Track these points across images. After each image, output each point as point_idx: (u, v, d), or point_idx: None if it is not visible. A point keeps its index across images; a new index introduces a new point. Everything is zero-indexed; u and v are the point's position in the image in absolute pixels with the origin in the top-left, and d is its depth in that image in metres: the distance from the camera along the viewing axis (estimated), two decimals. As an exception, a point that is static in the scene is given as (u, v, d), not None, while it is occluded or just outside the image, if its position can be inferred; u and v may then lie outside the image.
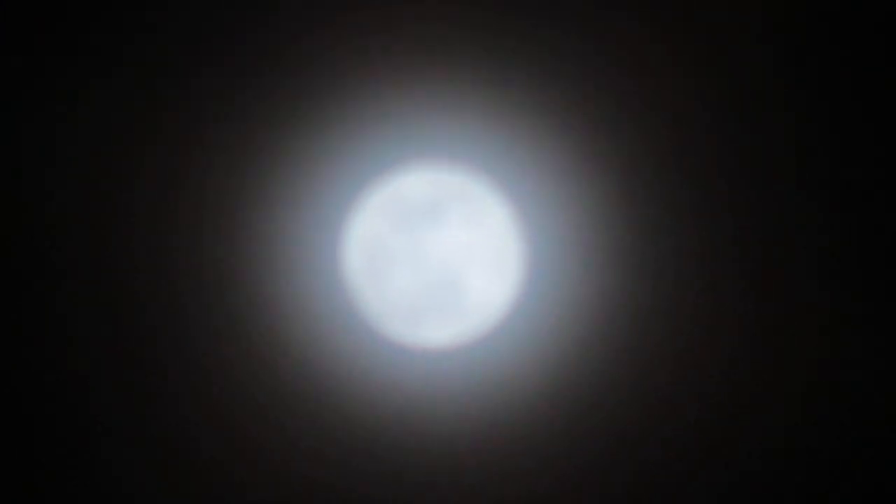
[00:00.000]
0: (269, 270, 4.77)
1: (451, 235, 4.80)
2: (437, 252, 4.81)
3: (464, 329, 4.82)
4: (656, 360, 4.78)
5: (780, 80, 4.81)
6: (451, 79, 4.71)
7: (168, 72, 4.73)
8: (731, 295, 4.80)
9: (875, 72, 4.78)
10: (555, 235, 4.77)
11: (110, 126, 4.75)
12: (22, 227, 4.80)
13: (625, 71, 4.73)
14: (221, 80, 4.72)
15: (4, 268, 4.82)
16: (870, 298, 4.80)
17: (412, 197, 4.79)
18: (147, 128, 4.73)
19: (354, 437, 4.78)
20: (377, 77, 4.71)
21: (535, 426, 4.79)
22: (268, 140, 4.72)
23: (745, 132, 4.79)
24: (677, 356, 4.78)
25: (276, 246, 4.76)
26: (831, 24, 4.80)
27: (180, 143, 4.73)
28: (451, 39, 4.70)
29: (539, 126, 4.74)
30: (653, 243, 4.77)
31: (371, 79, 4.71)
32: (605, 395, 4.77)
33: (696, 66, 4.76)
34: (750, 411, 4.78)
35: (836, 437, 4.78)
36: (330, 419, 4.77)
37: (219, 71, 4.73)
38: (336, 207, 4.76)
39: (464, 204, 4.80)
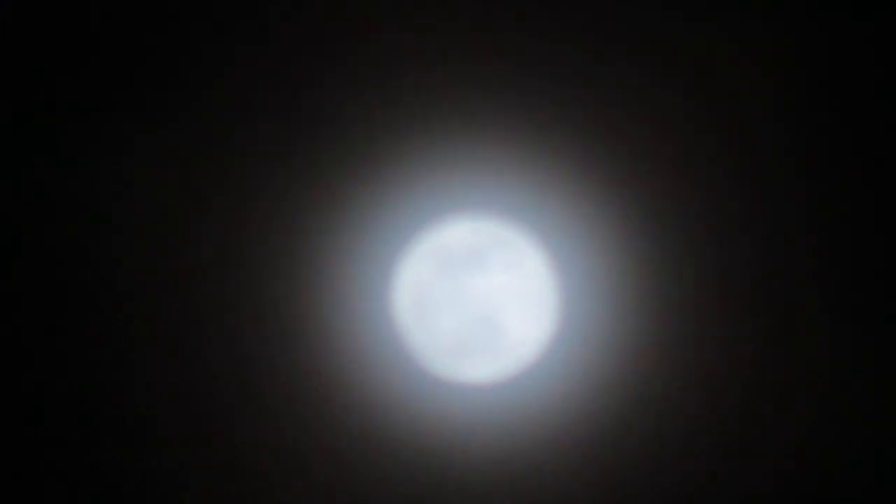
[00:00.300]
0: (325, 313, 4.87)
1: (490, 279, 4.90)
2: (477, 295, 4.90)
3: (503, 366, 4.92)
4: (684, 395, 4.85)
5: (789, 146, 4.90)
6: (490, 137, 4.83)
7: (235, 125, 4.85)
8: (750, 330, 4.85)
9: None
10: (587, 278, 4.87)
11: (179, 174, 4.88)
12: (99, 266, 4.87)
13: (648, 127, 4.86)
14: (283, 138, 4.85)
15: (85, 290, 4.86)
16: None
17: (455, 245, 4.91)
18: (214, 176, 4.85)
19: (400, 465, 4.85)
20: (423, 136, 4.84)
21: (567, 459, 4.87)
22: (326, 193, 4.83)
23: (757, 187, 4.87)
24: (704, 391, 4.85)
25: (332, 290, 4.88)
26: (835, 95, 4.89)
27: (246, 193, 4.84)
28: (489, 104, 4.81)
29: (571, 177, 4.85)
30: (677, 285, 4.87)
31: (418, 138, 4.83)
32: (634, 430, 4.86)
33: (715, 128, 4.86)
34: (769, 443, 4.83)
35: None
36: (379, 451, 4.86)
37: (284, 128, 4.86)
38: (386, 255, 4.88)
39: (502, 250, 4.91)
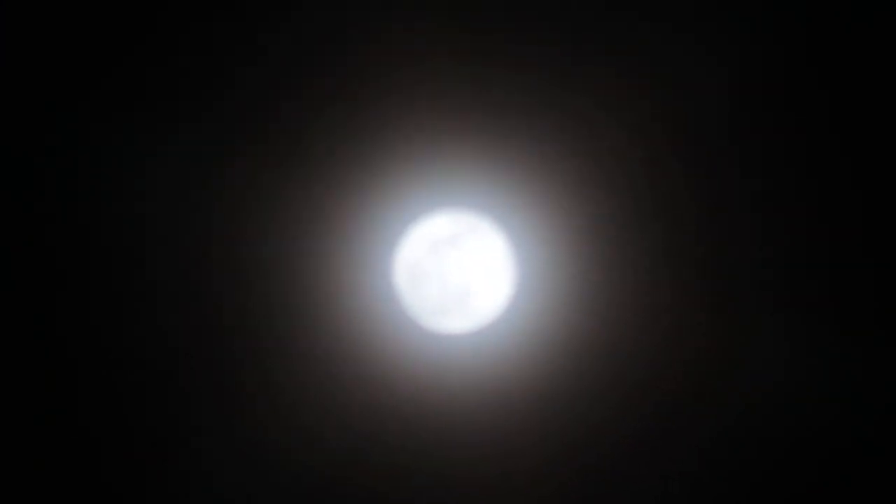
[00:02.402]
0: (340, 281, 5.29)
1: (465, 257, 5.33)
2: (455, 268, 5.33)
3: (474, 321, 5.34)
4: (612, 343, 5.22)
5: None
6: (466, 146, 5.22)
7: (251, 128, 5.13)
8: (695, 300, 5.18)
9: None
10: (535, 258, 5.33)
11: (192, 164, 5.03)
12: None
13: (612, 133, 5.18)
14: (300, 147, 5.21)
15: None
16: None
17: (439, 231, 5.32)
18: (234, 170, 5.13)
19: (395, 398, 5.25)
20: (418, 147, 5.21)
21: (520, 392, 5.27)
22: (344, 190, 5.20)
23: (695, 169, 5.14)
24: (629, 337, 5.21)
25: (346, 264, 5.30)
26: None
27: (293, 200, 5.19)
28: (468, 128, 5.18)
29: (528, 180, 5.24)
30: (607, 262, 5.23)
31: (414, 148, 5.20)
32: (572, 370, 5.26)
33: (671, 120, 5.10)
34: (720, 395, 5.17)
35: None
36: (386, 383, 5.29)
37: (299, 138, 5.20)
38: (387, 238, 5.29)
39: (474, 235, 5.34)
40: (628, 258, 5.20)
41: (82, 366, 5.14)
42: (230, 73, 5.10)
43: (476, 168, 5.25)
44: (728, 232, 5.19)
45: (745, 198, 5.17)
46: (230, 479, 5.19)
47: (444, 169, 5.25)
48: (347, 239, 5.27)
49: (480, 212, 5.29)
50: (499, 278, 5.33)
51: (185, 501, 5.16)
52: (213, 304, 5.22)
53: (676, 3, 5.12)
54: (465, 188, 5.27)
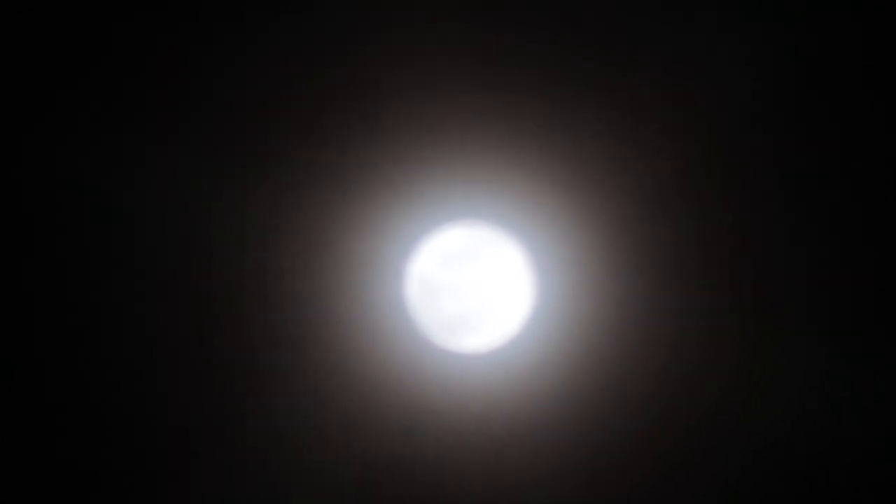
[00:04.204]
0: (352, 297, 5.09)
1: (481, 271, 5.14)
2: (471, 283, 5.14)
3: (490, 339, 5.16)
4: (636, 362, 5.01)
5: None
6: (482, 159, 5.02)
7: (255, 130, 4.91)
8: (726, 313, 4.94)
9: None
10: (555, 271, 5.11)
11: (199, 170, 4.88)
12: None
13: (626, 142, 4.96)
14: (314, 155, 5.00)
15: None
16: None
17: (453, 243, 5.14)
18: (238, 179, 4.93)
19: (407, 419, 5.05)
20: (432, 157, 5.02)
21: (540, 413, 5.06)
22: (356, 203, 5.01)
23: (740, 188, 4.90)
24: (652, 353, 4.99)
25: (358, 279, 5.09)
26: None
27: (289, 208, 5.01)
28: (482, 135, 4.96)
29: (545, 191, 5.04)
30: (632, 276, 5.01)
31: (429, 159, 5.01)
32: (596, 391, 5.04)
33: (703, 128, 4.86)
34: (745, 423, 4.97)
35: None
36: (394, 405, 5.09)
37: (311, 149, 5.02)
38: (400, 251, 5.10)
39: (490, 248, 5.15)
40: (658, 273, 5.02)
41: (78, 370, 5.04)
42: (232, 74, 4.96)
43: (493, 175, 5.08)
44: (767, 245, 5.02)
45: (785, 207, 4.99)
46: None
47: (457, 176, 5.09)
48: (354, 251, 5.11)
49: (497, 222, 5.14)
50: (518, 293, 5.17)
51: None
52: (207, 331, 5.08)
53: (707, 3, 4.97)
54: (480, 197, 5.12)
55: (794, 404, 4.95)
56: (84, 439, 4.96)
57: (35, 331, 4.92)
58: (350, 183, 5.03)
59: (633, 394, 5.04)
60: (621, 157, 4.99)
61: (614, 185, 4.99)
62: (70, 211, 4.89)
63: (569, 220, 5.08)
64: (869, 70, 4.88)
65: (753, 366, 4.98)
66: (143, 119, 4.85)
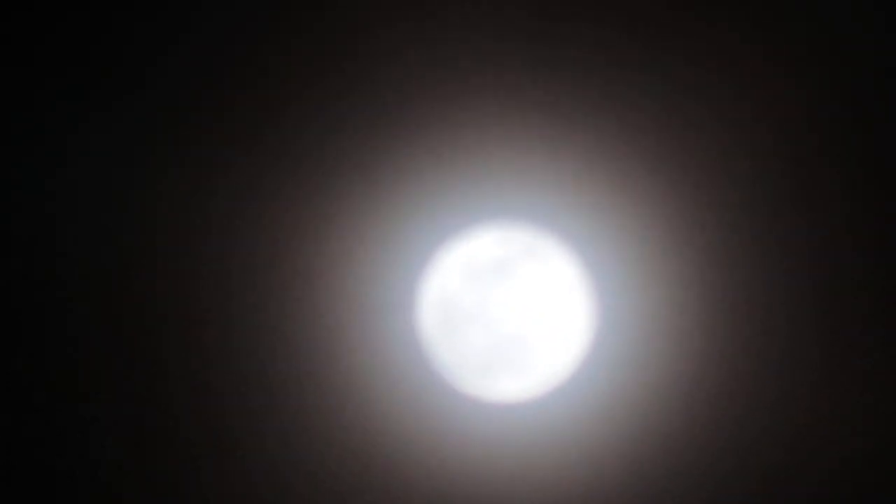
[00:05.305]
0: (348, 327, 4.86)
1: (519, 292, 4.87)
2: (506, 309, 4.88)
3: (532, 384, 4.89)
4: (723, 416, 4.82)
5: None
6: (517, 141, 4.80)
7: (256, 131, 4.85)
8: (801, 349, 4.81)
9: None
10: (622, 292, 4.84)
11: (200, 181, 4.86)
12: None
13: (689, 132, 4.82)
14: (304, 147, 4.85)
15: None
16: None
17: (482, 256, 4.87)
18: (233, 185, 4.85)
19: (425, 484, 4.87)
20: (448, 142, 4.82)
21: (598, 480, 4.87)
22: (348, 202, 4.84)
23: (806, 198, 4.80)
24: (747, 414, 4.80)
25: (355, 303, 4.87)
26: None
27: (266, 203, 4.84)
28: (515, 108, 4.78)
29: (607, 183, 4.82)
30: (719, 300, 4.82)
31: (442, 144, 4.82)
32: (669, 450, 4.85)
33: (762, 132, 4.80)
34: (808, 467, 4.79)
35: None
36: (407, 469, 4.87)
37: (305, 136, 4.85)
38: (411, 267, 4.86)
39: (532, 261, 4.86)
40: (742, 292, 4.81)
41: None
42: (239, 73, 4.89)
43: (536, 163, 4.82)
44: (863, 254, 4.84)
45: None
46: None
47: (489, 170, 4.84)
48: (359, 266, 4.85)
49: (542, 226, 4.88)
50: (570, 321, 4.90)
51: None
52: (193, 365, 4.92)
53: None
54: (519, 192, 4.85)
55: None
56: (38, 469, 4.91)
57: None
58: (353, 180, 4.87)
59: (722, 464, 4.83)
60: (704, 145, 4.86)
61: (696, 181, 4.85)
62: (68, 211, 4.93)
63: (641, 222, 4.85)
64: None
65: (876, 427, 4.85)
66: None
